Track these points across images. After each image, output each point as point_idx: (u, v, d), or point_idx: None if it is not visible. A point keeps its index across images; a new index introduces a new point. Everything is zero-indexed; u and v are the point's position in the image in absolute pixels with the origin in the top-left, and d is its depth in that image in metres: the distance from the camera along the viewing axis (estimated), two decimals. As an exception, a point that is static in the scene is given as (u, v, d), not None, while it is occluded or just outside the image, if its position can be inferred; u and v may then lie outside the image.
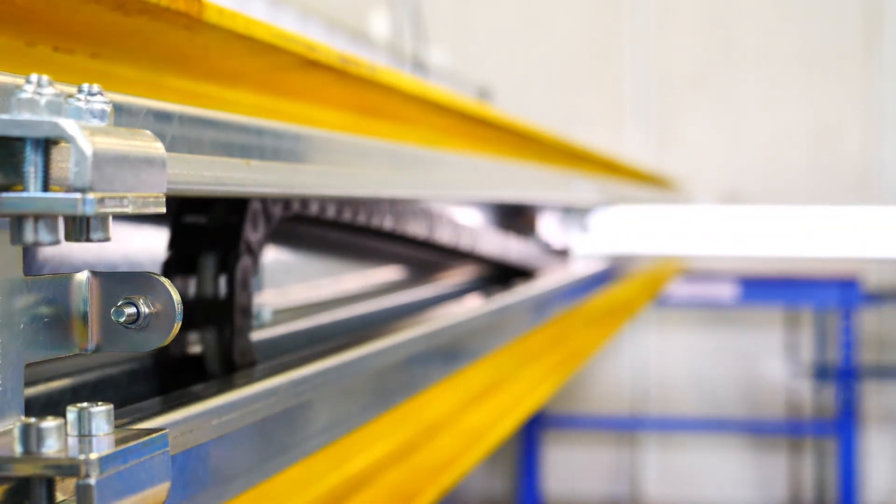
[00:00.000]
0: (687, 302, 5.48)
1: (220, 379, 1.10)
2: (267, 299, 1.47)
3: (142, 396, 1.13)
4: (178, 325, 0.81)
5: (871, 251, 5.32)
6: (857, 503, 5.47)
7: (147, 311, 0.80)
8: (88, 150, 0.66)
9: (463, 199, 2.26)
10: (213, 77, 1.12)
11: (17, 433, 0.68)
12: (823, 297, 5.39)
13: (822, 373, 5.88)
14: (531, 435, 5.71)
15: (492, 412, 1.78)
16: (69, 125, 0.66)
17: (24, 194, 0.67)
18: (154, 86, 1.04)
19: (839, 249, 5.30)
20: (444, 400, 1.71)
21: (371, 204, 1.57)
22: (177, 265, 1.17)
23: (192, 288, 1.17)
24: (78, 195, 0.66)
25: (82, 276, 0.81)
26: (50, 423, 0.68)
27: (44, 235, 0.67)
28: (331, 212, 1.42)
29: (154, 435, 0.75)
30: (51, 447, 0.68)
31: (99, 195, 0.67)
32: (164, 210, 0.74)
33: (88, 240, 0.70)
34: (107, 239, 0.70)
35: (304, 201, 1.33)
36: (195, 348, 1.17)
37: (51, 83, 0.68)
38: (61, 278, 0.79)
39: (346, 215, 1.47)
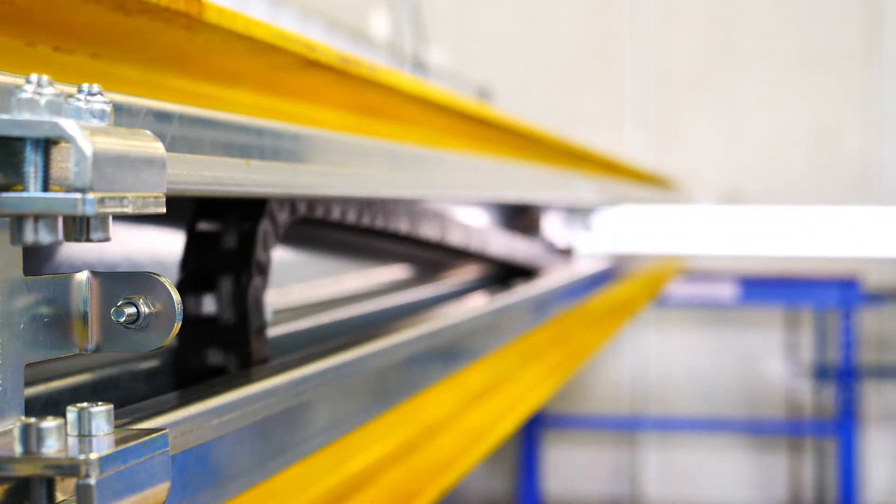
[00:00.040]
0: (687, 302, 5.48)
1: (219, 379, 1.10)
2: (268, 299, 1.47)
3: (163, 390, 1.16)
4: (178, 325, 0.81)
5: (871, 251, 5.32)
6: (857, 503, 5.47)
7: (147, 311, 0.81)
8: (88, 150, 0.66)
9: (463, 199, 2.27)
10: (213, 77, 1.12)
11: (17, 433, 0.69)
12: (823, 297, 5.39)
13: (822, 373, 5.88)
14: (531, 435, 5.71)
15: (492, 412, 1.78)
16: (69, 125, 0.66)
17: (24, 194, 0.67)
18: (154, 86, 1.04)
19: (839, 249, 5.30)
20: (445, 400, 1.71)
21: (373, 204, 1.57)
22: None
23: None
24: (78, 195, 0.66)
25: (82, 276, 0.81)
26: (50, 423, 0.68)
27: (44, 235, 0.67)
28: (335, 213, 1.42)
29: (154, 435, 0.75)
30: (51, 447, 0.68)
31: (99, 195, 0.67)
32: (164, 210, 0.74)
33: (88, 240, 0.70)
34: (107, 239, 0.70)
35: (311, 204, 1.34)
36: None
37: (51, 83, 0.68)
38: (61, 278, 0.79)
39: (350, 216, 1.48)
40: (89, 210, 0.67)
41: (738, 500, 6.08)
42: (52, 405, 1.03)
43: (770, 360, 6.08)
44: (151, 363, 1.18)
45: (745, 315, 6.08)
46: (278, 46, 1.01)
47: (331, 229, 1.67)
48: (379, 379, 1.37)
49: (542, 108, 6.03)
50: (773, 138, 6.06)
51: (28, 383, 0.80)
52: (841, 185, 5.97)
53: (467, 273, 2.57)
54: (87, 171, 0.66)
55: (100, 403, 0.73)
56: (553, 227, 3.36)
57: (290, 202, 1.28)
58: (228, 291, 1.19)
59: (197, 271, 1.19)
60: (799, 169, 6.03)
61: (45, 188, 0.67)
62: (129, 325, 0.80)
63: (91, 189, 0.66)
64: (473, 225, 2.19)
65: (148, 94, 0.84)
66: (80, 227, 0.69)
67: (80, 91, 0.71)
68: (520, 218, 3.10)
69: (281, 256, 1.59)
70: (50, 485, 0.69)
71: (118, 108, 0.77)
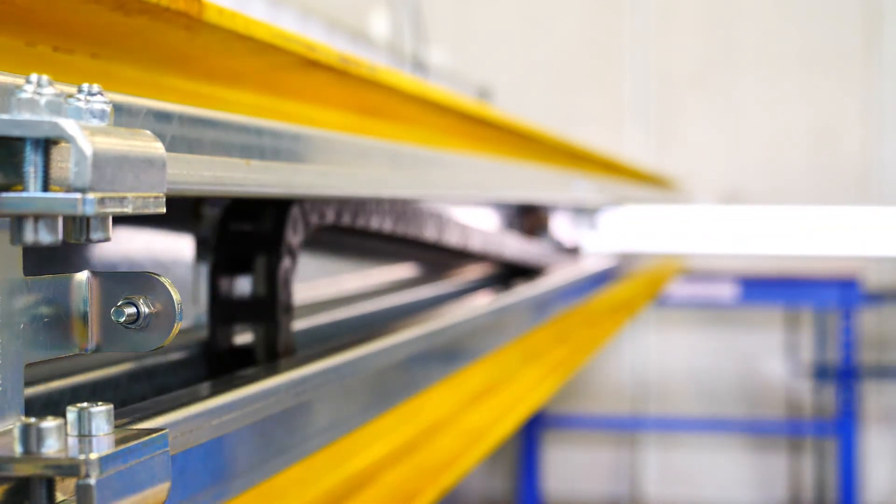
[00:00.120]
0: (687, 302, 5.48)
1: (219, 379, 1.10)
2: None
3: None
4: (178, 326, 0.81)
5: (871, 251, 5.32)
6: (857, 503, 5.47)
7: (147, 311, 0.80)
8: (88, 150, 0.66)
9: (463, 199, 2.27)
10: (213, 77, 1.12)
11: (17, 433, 0.69)
12: (823, 297, 5.39)
13: (822, 373, 5.88)
14: (531, 435, 5.71)
15: (492, 412, 1.78)
16: (69, 125, 0.66)
17: (24, 194, 0.67)
18: (154, 86, 1.04)
19: (839, 249, 5.30)
20: (445, 400, 1.71)
21: (383, 206, 1.57)
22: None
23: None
24: (78, 195, 0.66)
25: (82, 276, 0.81)
26: (50, 423, 0.68)
27: (44, 235, 0.67)
28: (344, 217, 1.44)
29: (154, 435, 0.75)
30: (51, 447, 0.68)
31: (99, 195, 0.67)
32: (163, 210, 0.74)
33: (88, 240, 0.70)
34: (107, 239, 0.70)
35: (322, 212, 1.36)
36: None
37: (51, 83, 0.68)
38: (61, 278, 0.79)
39: (360, 220, 1.48)
40: (89, 210, 0.66)
41: (738, 500, 6.08)
42: (98, 393, 1.03)
43: (770, 360, 6.08)
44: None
45: (745, 315, 6.08)
46: (278, 46, 1.01)
47: (338, 232, 1.68)
48: (379, 378, 1.37)
49: (542, 108, 6.03)
50: (773, 138, 6.06)
51: (31, 382, 0.80)
52: (841, 185, 5.97)
53: (476, 272, 2.59)
54: (87, 171, 0.66)
55: (100, 403, 0.73)
56: (560, 226, 3.38)
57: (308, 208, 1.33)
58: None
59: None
60: (799, 169, 6.03)
61: (45, 188, 0.67)
62: (130, 325, 0.80)
63: (91, 189, 0.66)
64: (479, 225, 2.20)
65: (148, 94, 0.84)
66: (80, 228, 0.69)
67: (80, 91, 0.71)
68: (528, 218, 3.11)
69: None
70: (50, 485, 0.69)
71: (118, 108, 0.77)
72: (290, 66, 1.10)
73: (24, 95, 0.67)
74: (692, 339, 6.14)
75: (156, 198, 0.73)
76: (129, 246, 1.24)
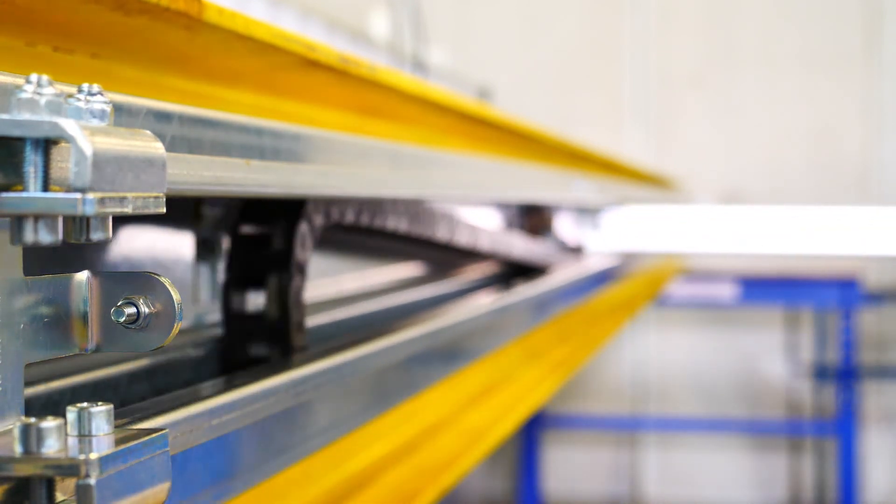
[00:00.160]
0: (687, 302, 5.48)
1: (219, 379, 1.10)
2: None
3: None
4: (178, 326, 0.81)
5: (871, 251, 5.32)
6: (857, 503, 5.47)
7: (147, 311, 0.80)
8: (88, 150, 0.66)
9: (463, 199, 2.27)
10: (213, 77, 1.12)
11: (17, 433, 0.69)
12: (823, 297, 5.39)
13: (822, 373, 5.88)
14: (531, 435, 5.71)
15: (492, 412, 1.78)
16: (69, 125, 0.66)
17: (24, 194, 0.67)
18: (154, 86, 1.04)
19: (839, 249, 5.31)
20: (445, 399, 1.71)
21: (386, 205, 1.58)
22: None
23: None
24: (78, 195, 0.66)
25: (82, 276, 0.81)
26: (50, 423, 0.68)
27: (44, 235, 0.67)
28: (348, 216, 1.45)
29: (154, 435, 0.75)
30: (51, 447, 0.68)
31: (99, 195, 0.67)
32: (163, 210, 0.74)
33: (88, 240, 0.70)
34: (107, 239, 0.70)
35: (328, 213, 1.37)
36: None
37: (51, 83, 0.68)
38: (61, 278, 0.79)
39: (363, 218, 1.49)
40: (89, 210, 0.66)
41: (738, 500, 6.08)
42: (98, 393, 1.03)
43: (770, 360, 6.08)
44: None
45: (745, 315, 6.08)
46: (278, 46, 1.01)
47: (343, 231, 1.68)
48: (379, 378, 1.37)
49: (542, 108, 6.03)
50: (773, 138, 6.06)
51: (31, 382, 0.80)
52: (841, 185, 5.97)
53: (481, 270, 2.60)
54: (87, 171, 0.66)
55: (100, 403, 0.73)
56: (564, 226, 3.40)
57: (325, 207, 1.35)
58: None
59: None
60: (799, 169, 6.03)
61: (45, 188, 0.67)
62: (129, 325, 0.80)
63: (91, 189, 0.66)
64: (483, 225, 2.21)
65: (148, 94, 0.84)
66: (80, 227, 0.69)
67: (80, 91, 0.71)
68: (532, 218, 3.12)
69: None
70: (50, 485, 0.69)
71: (118, 108, 0.77)
72: (290, 66, 1.10)
73: (24, 95, 0.67)
74: (692, 339, 6.14)
75: (156, 198, 0.73)
76: (153, 243, 1.24)
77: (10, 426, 0.72)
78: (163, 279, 0.80)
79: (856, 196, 5.90)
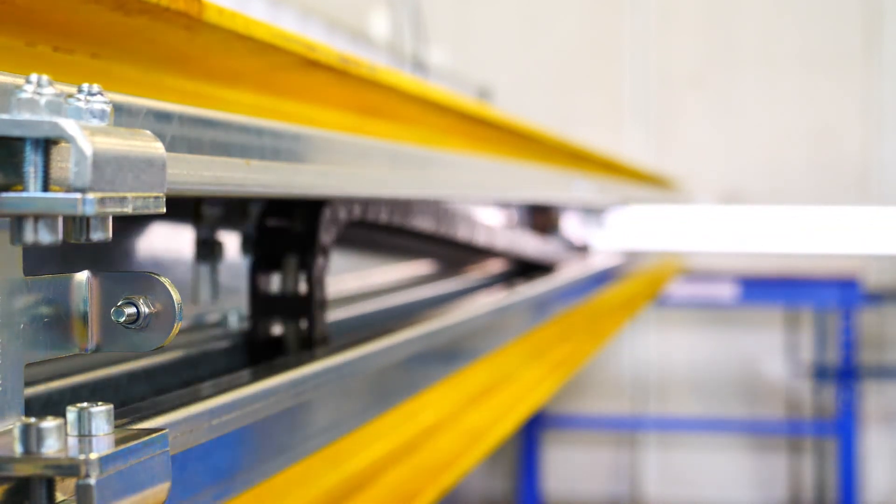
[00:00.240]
0: (687, 302, 5.48)
1: (219, 379, 1.10)
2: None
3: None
4: (178, 326, 0.81)
5: (871, 251, 5.32)
6: (857, 503, 5.47)
7: (147, 311, 0.80)
8: (88, 150, 0.66)
9: (462, 198, 2.27)
10: (213, 77, 1.12)
11: (17, 433, 0.69)
12: (823, 297, 5.39)
13: (822, 373, 5.88)
14: (531, 435, 5.71)
15: (492, 412, 1.78)
16: (69, 125, 0.66)
17: (24, 194, 0.67)
18: (154, 86, 1.04)
19: (839, 249, 5.31)
20: (445, 399, 1.71)
21: (394, 203, 1.58)
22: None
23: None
24: (78, 195, 0.66)
25: (82, 277, 0.81)
26: (50, 423, 0.68)
27: (44, 235, 0.67)
28: (369, 213, 1.47)
29: (154, 435, 0.75)
30: (51, 447, 0.68)
31: (99, 195, 0.67)
32: (163, 210, 0.74)
33: (88, 240, 0.70)
34: (107, 239, 0.70)
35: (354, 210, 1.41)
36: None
37: (51, 83, 0.68)
38: (61, 278, 0.79)
39: (370, 215, 1.50)
40: (89, 210, 0.66)
41: (738, 500, 6.08)
42: (98, 393, 1.03)
43: (770, 360, 6.08)
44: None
45: (745, 315, 6.08)
46: (278, 46, 1.01)
47: (358, 228, 1.69)
48: (379, 378, 1.37)
49: (542, 108, 6.03)
50: (773, 138, 6.06)
51: (31, 382, 0.80)
52: (841, 185, 5.97)
53: (490, 268, 2.62)
54: (87, 171, 0.66)
55: (100, 403, 0.73)
56: (570, 225, 3.42)
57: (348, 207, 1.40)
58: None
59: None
60: (799, 169, 6.03)
61: (45, 188, 0.67)
62: (129, 325, 0.80)
63: (91, 189, 0.66)
64: (486, 225, 2.23)
65: (148, 94, 0.84)
66: (80, 228, 0.69)
67: (80, 91, 0.71)
68: (539, 217, 3.14)
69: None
70: (50, 485, 0.69)
71: (118, 108, 0.77)
72: (290, 66, 1.10)
73: (24, 95, 0.67)
74: (692, 339, 6.13)
75: (156, 198, 0.73)
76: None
77: (10, 426, 0.72)
78: (163, 279, 0.80)
79: (856, 196, 5.90)
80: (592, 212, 3.84)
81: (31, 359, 0.76)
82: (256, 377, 1.06)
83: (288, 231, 1.34)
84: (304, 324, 1.33)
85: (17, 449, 0.68)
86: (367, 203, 1.47)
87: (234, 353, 1.36)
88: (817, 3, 6.01)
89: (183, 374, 1.25)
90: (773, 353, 6.07)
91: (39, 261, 0.97)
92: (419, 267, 2.27)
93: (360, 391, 1.31)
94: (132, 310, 0.80)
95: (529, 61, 6.23)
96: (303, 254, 1.33)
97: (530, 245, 2.69)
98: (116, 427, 0.74)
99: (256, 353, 1.34)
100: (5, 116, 0.66)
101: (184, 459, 0.89)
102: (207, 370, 1.30)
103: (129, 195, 0.70)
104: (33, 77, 0.67)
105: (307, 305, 1.32)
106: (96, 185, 0.66)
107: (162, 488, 0.75)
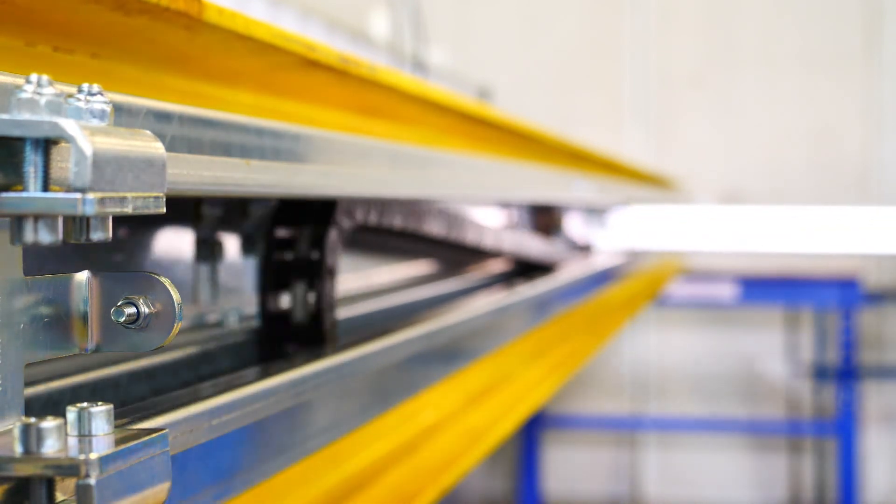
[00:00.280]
0: (687, 302, 5.48)
1: (218, 379, 1.10)
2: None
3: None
4: (178, 325, 0.81)
5: (871, 251, 5.33)
6: (857, 503, 5.47)
7: (147, 311, 0.80)
8: (88, 150, 0.66)
9: (462, 199, 2.27)
10: (213, 77, 1.12)
11: (17, 433, 0.68)
12: (823, 297, 5.39)
13: (822, 373, 5.88)
14: (531, 435, 5.71)
15: (492, 412, 1.78)
16: (69, 125, 0.66)
17: (24, 194, 0.67)
18: (154, 86, 1.04)
19: (839, 249, 5.31)
20: (445, 399, 1.71)
21: (396, 205, 1.58)
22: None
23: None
24: (78, 195, 0.66)
25: (82, 277, 0.81)
26: (50, 423, 0.68)
27: (44, 235, 0.67)
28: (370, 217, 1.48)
29: (154, 435, 0.75)
30: (51, 447, 0.68)
31: (99, 195, 0.67)
32: (163, 210, 0.74)
33: (88, 240, 0.70)
34: (107, 239, 0.70)
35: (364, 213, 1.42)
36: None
37: (51, 83, 0.68)
38: (61, 278, 0.79)
39: (372, 218, 1.50)
40: (89, 210, 0.66)
41: (738, 500, 6.08)
42: (98, 393, 1.03)
43: (770, 360, 6.08)
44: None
45: (745, 315, 6.08)
46: (278, 46, 1.01)
47: (368, 231, 1.69)
48: (379, 378, 1.37)
49: (542, 108, 6.03)
50: (773, 138, 6.06)
51: (31, 382, 0.80)
52: (841, 185, 5.97)
53: (491, 268, 2.62)
54: (87, 171, 0.66)
55: (100, 403, 0.73)
56: (573, 225, 3.43)
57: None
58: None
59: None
60: (799, 169, 6.03)
61: (45, 188, 0.67)
62: (129, 325, 0.80)
63: (91, 189, 0.66)
64: (487, 225, 2.23)
65: (148, 94, 0.84)
66: (80, 227, 0.69)
67: (80, 91, 0.71)
68: (542, 217, 3.14)
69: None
70: (50, 485, 0.69)
71: (118, 108, 0.77)
72: (290, 66, 1.10)
73: (24, 95, 0.67)
74: (692, 339, 6.13)
75: (156, 198, 0.73)
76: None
77: (10, 426, 0.72)
78: (163, 279, 0.80)
79: (856, 196, 5.90)
80: (594, 212, 3.84)
81: (31, 359, 0.76)
82: (256, 377, 1.06)
83: (297, 255, 1.37)
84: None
85: (17, 449, 0.68)
86: (368, 206, 1.47)
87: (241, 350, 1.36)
88: (817, 3, 6.01)
89: (185, 376, 1.25)
90: (773, 353, 6.07)
91: (39, 261, 0.96)
92: (420, 267, 2.27)
93: (360, 391, 1.31)
94: (132, 310, 0.80)
95: (529, 61, 6.23)
96: (311, 277, 1.36)
97: (531, 245, 2.69)
98: (116, 427, 0.74)
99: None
100: (5, 116, 0.66)
101: (184, 459, 0.88)
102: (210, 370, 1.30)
103: (129, 195, 0.70)
104: (33, 77, 0.67)
105: (318, 327, 1.35)
106: (96, 185, 0.66)
107: (162, 488, 0.75)
